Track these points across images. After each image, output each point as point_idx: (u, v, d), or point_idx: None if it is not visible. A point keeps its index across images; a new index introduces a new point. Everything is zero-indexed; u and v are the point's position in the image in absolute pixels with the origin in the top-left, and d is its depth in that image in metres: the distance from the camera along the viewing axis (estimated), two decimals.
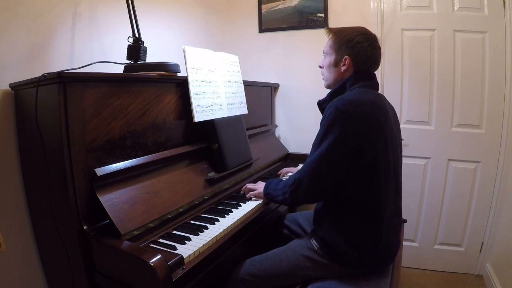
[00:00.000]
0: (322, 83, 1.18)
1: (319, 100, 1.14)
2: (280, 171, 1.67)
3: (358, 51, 1.03)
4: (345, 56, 1.05)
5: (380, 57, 1.09)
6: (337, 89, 1.08)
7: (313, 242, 1.07)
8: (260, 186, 1.28)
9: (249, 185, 1.34)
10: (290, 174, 1.61)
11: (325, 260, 1.04)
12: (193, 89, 1.25)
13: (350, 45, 1.04)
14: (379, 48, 1.07)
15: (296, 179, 1.02)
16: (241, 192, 1.35)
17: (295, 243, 1.14)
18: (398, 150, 1.08)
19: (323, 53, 1.15)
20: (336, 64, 1.08)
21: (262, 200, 1.27)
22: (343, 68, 1.06)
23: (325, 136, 0.96)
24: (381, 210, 0.98)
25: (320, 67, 1.17)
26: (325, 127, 0.96)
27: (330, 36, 1.11)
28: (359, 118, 0.93)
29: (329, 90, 1.13)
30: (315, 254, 1.06)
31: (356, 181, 0.97)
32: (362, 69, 1.06)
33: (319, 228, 1.08)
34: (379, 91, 1.12)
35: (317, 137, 1.00)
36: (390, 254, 1.06)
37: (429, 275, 1.97)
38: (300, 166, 1.65)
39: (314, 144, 1.01)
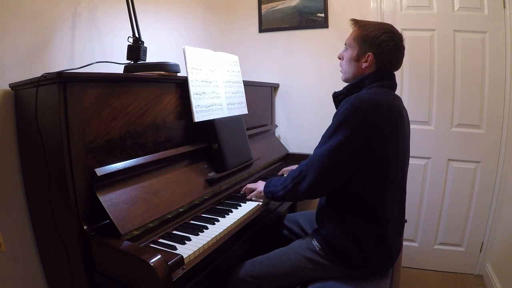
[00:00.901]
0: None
1: (335, 92, 1.10)
2: (280, 171, 1.67)
3: (383, 50, 1.00)
4: (369, 53, 1.01)
5: (403, 58, 1.05)
6: (355, 84, 1.05)
7: (315, 243, 1.07)
8: (260, 185, 1.27)
9: (249, 185, 1.33)
10: None
11: (327, 261, 1.03)
12: (193, 89, 1.26)
13: (375, 42, 1.00)
14: (403, 49, 1.04)
15: (303, 170, 0.99)
16: (241, 192, 1.35)
17: (296, 244, 1.14)
18: (407, 153, 1.07)
19: (345, 44, 1.10)
20: (358, 58, 1.04)
21: (262, 200, 1.27)
22: (364, 64, 1.03)
23: (337, 131, 0.93)
24: (386, 211, 0.98)
25: (340, 58, 1.12)
26: (338, 122, 0.93)
27: (355, 28, 1.06)
28: (374, 118, 0.91)
29: (345, 84, 1.10)
30: (316, 256, 1.05)
31: (362, 180, 0.96)
32: (384, 68, 1.03)
33: (322, 226, 1.07)
34: None
35: (328, 130, 0.97)
36: (392, 255, 1.05)
37: (429, 275, 1.97)
38: None
39: (323, 137, 0.98)
